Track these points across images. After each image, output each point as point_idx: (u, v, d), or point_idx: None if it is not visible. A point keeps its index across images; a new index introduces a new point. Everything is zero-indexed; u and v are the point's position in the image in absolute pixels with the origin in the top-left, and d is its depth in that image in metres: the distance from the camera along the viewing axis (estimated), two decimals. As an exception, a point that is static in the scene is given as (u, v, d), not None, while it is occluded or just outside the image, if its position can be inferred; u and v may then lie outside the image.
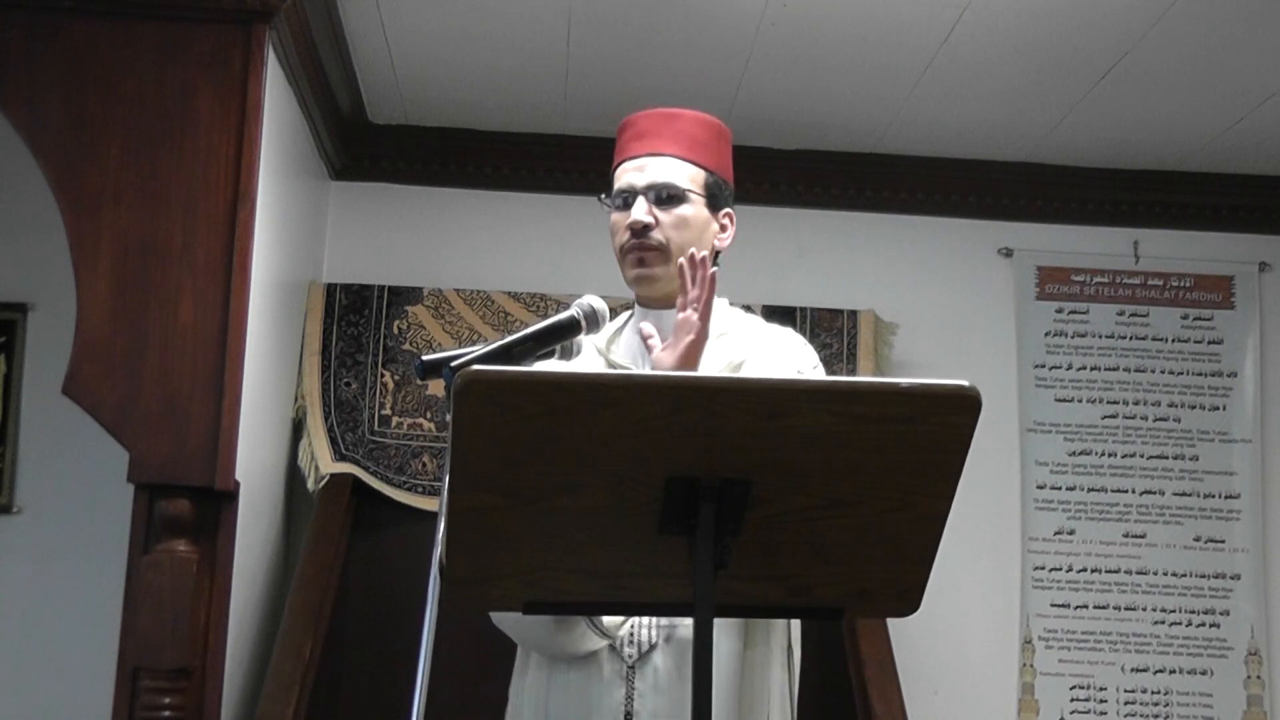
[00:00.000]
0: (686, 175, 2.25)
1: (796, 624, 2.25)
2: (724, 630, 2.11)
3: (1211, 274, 4.44)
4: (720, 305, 2.34)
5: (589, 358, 2.26)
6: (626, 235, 2.23)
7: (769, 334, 2.34)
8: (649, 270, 2.24)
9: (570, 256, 4.25)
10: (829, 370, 2.33)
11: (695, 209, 2.24)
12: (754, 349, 2.27)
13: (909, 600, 1.73)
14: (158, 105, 3.09)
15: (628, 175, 2.27)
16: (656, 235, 2.22)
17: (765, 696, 2.13)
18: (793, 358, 2.28)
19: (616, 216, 2.27)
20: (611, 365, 2.29)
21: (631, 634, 2.15)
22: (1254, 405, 4.37)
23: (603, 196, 2.31)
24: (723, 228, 2.30)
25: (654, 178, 2.23)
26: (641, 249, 2.22)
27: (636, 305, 2.34)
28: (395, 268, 4.24)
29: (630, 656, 2.13)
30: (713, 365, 2.24)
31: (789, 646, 2.23)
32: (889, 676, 3.55)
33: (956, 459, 1.61)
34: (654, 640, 2.14)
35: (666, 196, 2.23)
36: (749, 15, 3.48)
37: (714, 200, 2.28)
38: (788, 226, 4.38)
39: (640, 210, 2.22)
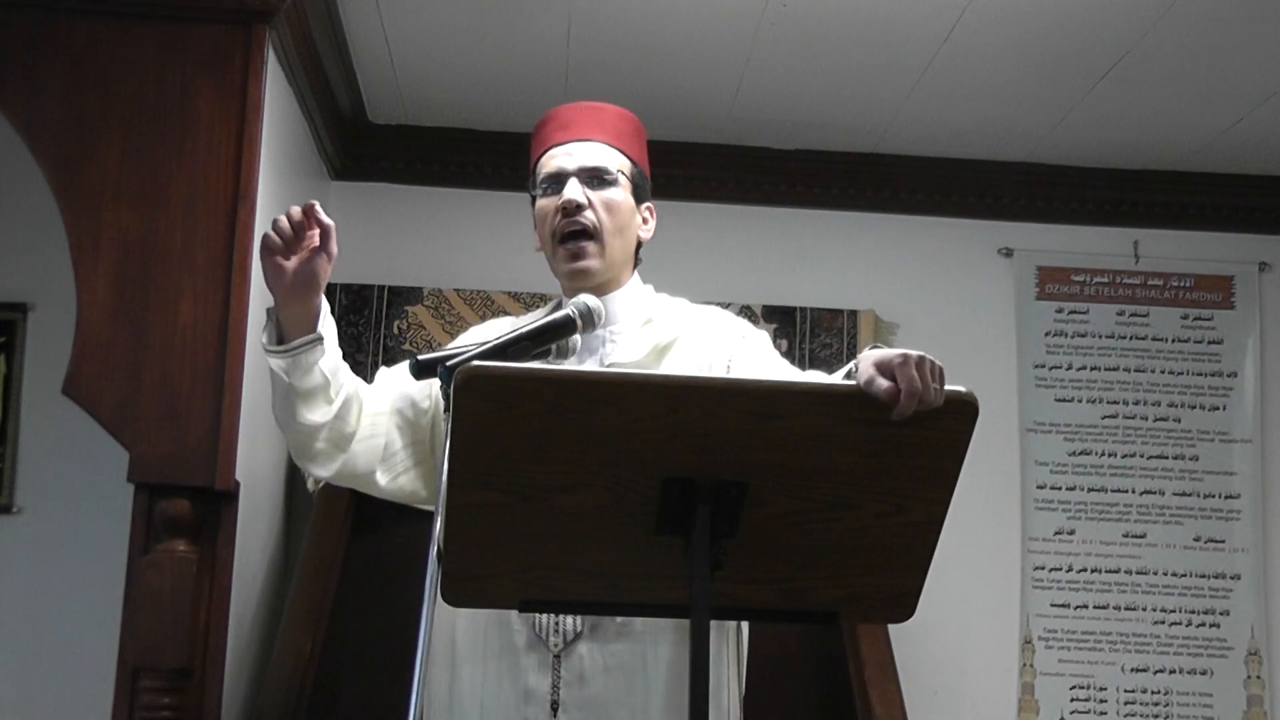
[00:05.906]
0: (615, 161, 2.26)
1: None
2: (665, 632, 2.09)
3: (1211, 274, 4.44)
4: (644, 290, 2.34)
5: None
6: (558, 218, 2.21)
7: (697, 315, 2.33)
8: (586, 263, 2.22)
9: (570, 256, 4.24)
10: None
11: (624, 195, 2.26)
12: (684, 330, 2.26)
13: (903, 607, 1.73)
14: (158, 105, 3.08)
15: (556, 160, 2.26)
16: (589, 215, 2.21)
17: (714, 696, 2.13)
18: (725, 335, 2.26)
19: (544, 202, 2.25)
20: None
21: (556, 624, 2.13)
22: (1254, 405, 4.36)
23: (533, 188, 2.28)
24: (644, 220, 2.32)
25: (585, 160, 2.24)
26: (574, 235, 2.21)
27: (564, 296, 2.29)
28: (395, 268, 4.24)
29: (555, 645, 2.12)
30: (638, 350, 2.23)
31: (738, 643, 2.22)
32: (889, 676, 3.54)
33: (953, 465, 1.61)
34: (579, 629, 2.12)
35: (598, 178, 2.23)
36: (749, 15, 3.48)
37: (638, 191, 2.29)
38: (788, 226, 4.37)
39: (574, 189, 2.21)
